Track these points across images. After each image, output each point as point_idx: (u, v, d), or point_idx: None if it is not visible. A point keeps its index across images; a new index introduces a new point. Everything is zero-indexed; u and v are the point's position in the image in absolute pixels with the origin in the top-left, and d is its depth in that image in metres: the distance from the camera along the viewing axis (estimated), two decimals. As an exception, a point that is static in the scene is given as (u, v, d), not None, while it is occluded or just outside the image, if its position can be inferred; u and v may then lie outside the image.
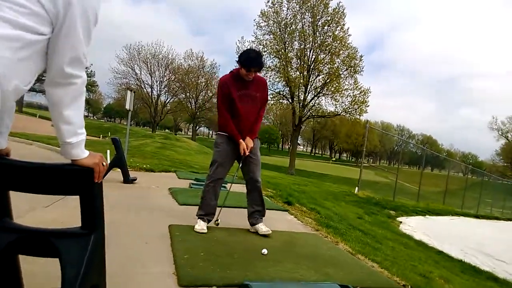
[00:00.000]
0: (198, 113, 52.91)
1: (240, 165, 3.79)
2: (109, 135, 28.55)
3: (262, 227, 3.78)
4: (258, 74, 3.75)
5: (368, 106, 30.89)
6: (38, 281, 2.03)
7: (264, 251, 3.16)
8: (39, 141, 11.71)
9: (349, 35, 30.21)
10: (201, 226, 3.62)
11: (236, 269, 2.71)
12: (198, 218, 3.72)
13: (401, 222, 10.34)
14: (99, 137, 25.56)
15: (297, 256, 3.24)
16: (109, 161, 6.22)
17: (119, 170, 6.08)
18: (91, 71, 62.71)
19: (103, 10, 1.52)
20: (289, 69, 30.50)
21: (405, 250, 5.65)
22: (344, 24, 29.90)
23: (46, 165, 1.41)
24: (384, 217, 10.18)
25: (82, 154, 1.37)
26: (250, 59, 3.56)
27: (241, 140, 3.66)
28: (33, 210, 3.55)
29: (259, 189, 3.86)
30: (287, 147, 60.40)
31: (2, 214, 1.50)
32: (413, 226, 9.99)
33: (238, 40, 32.28)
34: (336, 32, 29.92)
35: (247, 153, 3.66)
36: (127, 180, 6.08)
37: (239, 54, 3.64)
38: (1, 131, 1.43)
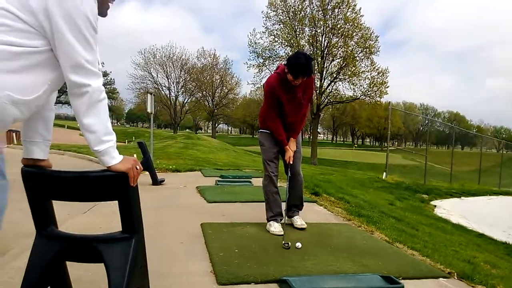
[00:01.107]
0: (215, 110, 53.20)
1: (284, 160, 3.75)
2: (134, 139, 29.07)
3: (297, 220, 3.77)
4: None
5: (387, 87, 30.21)
6: (83, 285, 2.07)
7: (298, 244, 3.13)
8: (70, 150, 12.10)
9: (361, 15, 29.49)
10: (277, 228, 3.56)
11: (272, 265, 2.70)
12: (270, 220, 3.68)
13: (435, 205, 10.09)
14: (125, 142, 26.01)
15: (332, 248, 3.19)
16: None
17: (147, 173, 6.16)
18: (111, 78, 63.86)
19: (116, 19, 1.51)
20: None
21: (443, 235, 5.50)
22: (355, 5, 29.22)
23: (83, 174, 1.44)
24: (416, 201, 9.96)
25: (113, 160, 1.38)
26: (298, 66, 3.30)
27: (287, 147, 3.64)
28: (72, 217, 3.65)
29: (300, 183, 3.82)
30: (306, 136, 59.97)
31: (48, 223, 1.54)
32: (448, 209, 9.72)
33: (250, 33, 32.14)
34: (348, 14, 29.25)
35: (291, 162, 3.64)
36: (156, 182, 6.17)
37: (288, 57, 3.47)
38: (36, 141, 1.45)
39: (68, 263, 1.64)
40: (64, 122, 53.68)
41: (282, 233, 3.46)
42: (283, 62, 3.71)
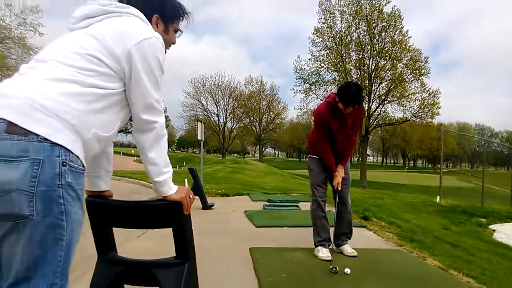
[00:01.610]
0: (263, 135, 53.78)
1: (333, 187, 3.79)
2: (184, 164, 29.94)
3: (348, 249, 3.74)
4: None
5: (439, 108, 29.09)
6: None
7: (347, 270, 3.10)
8: (125, 176, 12.73)
9: (409, 37, 28.97)
10: (325, 253, 3.58)
11: (321, 290, 2.69)
12: (318, 245, 3.71)
13: (494, 230, 9.44)
14: (176, 167, 26.87)
15: (381, 275, 3.13)
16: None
17: (197, 197, 6.35)
18: (164, 107, 66.86)
19: (170, 49, 1.67)
20: (350, 80, 29.89)
21: (504, 262, 5.16)
22: (402, 28, 28.78)
23: (141, 203, 1.57)
24: (473, 226, 9.40)
25: (170, 190, 1.50)
26: (349, 96, 3.41)
27: (336, 173, 3.68)
28: (128, 241, 3.85)
29: (348, 211, 3.83)
30: (355, 159, 58.68)
31: (109, 248, 1.68)
32: (509, 233, 9.05)
33: (295, 60, 32.46)
34: (395, 37, 28.84)
35: (339, 188, 3.67)
36: (206, 206, 6.34)
37: (339, 87, 3.58)
38: (100, 175, 1.61)
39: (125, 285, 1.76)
40: (119, 149, 56.65)
41: (330, 258, 3.45)
42: (333, 90, 3.82)
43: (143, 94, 1.38)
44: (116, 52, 1.32)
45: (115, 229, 1.70)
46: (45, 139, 1.11)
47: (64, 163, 1.14)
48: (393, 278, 3.03)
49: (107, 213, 1.61)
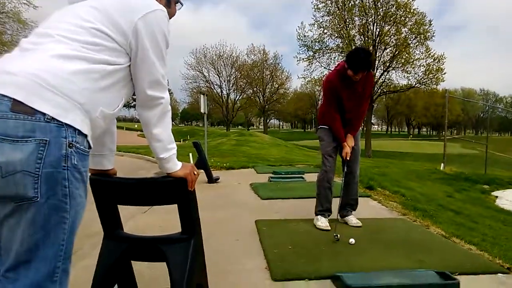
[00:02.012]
0: (267, 106, 53.52)
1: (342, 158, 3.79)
2: (188, 138, 30.01)
3: (352, 219, 3.78)
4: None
5: (444, 73, 28.64)
6: (146, 281, 2.26)
7: (352, 240, 3.15)
8: (129, 151, 12.76)
9: (413, 0, 28.23)
10: (323, 223, 3.65)
11: (326, 261, 2.75)
12: (318, 214, 3.77)
13: (497, 196, 9.51)
14: (180, 141, 26.97)
15: (386, 243, 3.18)
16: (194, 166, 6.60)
17: (202, 171, 6.41)
18: (167, 80, 66.57)
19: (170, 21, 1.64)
20: (353, 47, 29.32)
21: (505, 228, 5.23)
22: (407, -11, 27.97)
23: (146, 180, 1.58)
24: (477, 193, 9.46)
25: (175, 167, 1.51)
26: (358, 62, 3.38)
27: (345, 144, 3.67)
28: (134, 217, 3.92)
29: (355, 182, 3.86)
30: (360, 128, 58.36)
31: (115, 226, 1.71)
32: (511, 199, 9.14)
33: (298, 27, 31.85)
34: (399, 0, 28.12)
35: (347, 158, 3.66)
36: (211, 180, 6.40)
37: (347, 53, 3.53)
38: (104, 154, 1.62)
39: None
40: (122, 124, 56.64)
41: (329, 228, 3.54)
42: (336, 58, 3.78)
43: (150, 70, 1.36)
44: (122, 25, 1.28)
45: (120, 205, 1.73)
46: (53, 118, 1.08)
47: (71, 145, 1.12)
48: (396, 247, 3.09)
49: (112, 191, 1.62)
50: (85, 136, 1.19)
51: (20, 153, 1.03)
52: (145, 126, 1.45)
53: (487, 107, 68.18)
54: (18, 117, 1.04)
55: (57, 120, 1.10)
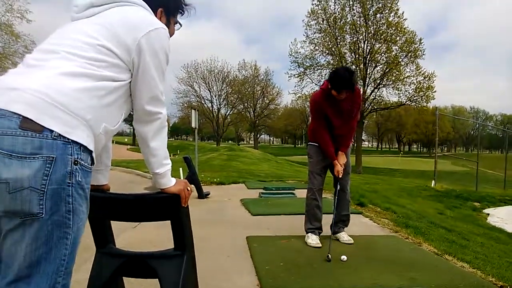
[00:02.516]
0: (257, 121, 53.69)
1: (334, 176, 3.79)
2: (178, 152, 29.88)
3: (344, 236, 3.77)
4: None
5: (435, 91, 29.14)
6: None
7: (344, 257, 3.14)
8: (119, 165, 12.66)
9: (404, 19, 28.79)
10: (314, 240, 3.64)
11: (317, 279, 2.74)
12: (308, 232, 3.75)
13: (488, 214, 9.59)
14: (170, 156, 26.86)
15: (377, 261, 3.17)
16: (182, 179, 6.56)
17: (192, 186, 6.36)
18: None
19: None
20: (344, 64, 29.75)
21: (497, 246, 5.26)
22: (397, 9, 28.59)
23: (140, 196, 1.57)
24: (468, 210, 9.53)
25: (169, 182, 1.50)
26: (340, 81, 3.38)
27: (335, 162, 3.67)
28: (124, 231, 3.86)
29: (347, 199, 3.85)
30: (350, 144, 58.70)
31: (107, 241, 1.69)
32: (503, 217, 9.20)
33: (291, 42, 32.27)
34: (390, 19, 28.67)
35: (340, 176, 3.67)
36: (202, 195, 6.36)
37: (330, 72, 3.55)
38: (100, 169, 1.61)
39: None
40: (113, 138, 56.30)
41: (320, 245, 3.53)
42: (327, 75, 3.78)
43: (150, 86, 1.37)
44: (126, 42, 1.30)
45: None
46: (60, 135, 1.10)
47: (76, 162, 1.13)
48: (388, 264, 3.08)
49: (106, 207, 1.61)
50: (90, 152, 1.21)
51: (28, 169, 1.05)
52: (141, 140, 1.46)
53: (477, 125, 69.21)
54: (27, 134, 1.06)
55: (64, 137, 1.11)
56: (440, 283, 2.66)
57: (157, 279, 1.56)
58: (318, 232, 3.73)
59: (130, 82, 1.36)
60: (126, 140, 51.28)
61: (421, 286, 2.57)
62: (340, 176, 3.66)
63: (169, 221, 1.59)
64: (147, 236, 3.73)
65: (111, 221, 1.73)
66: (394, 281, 2.71)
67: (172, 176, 1.53)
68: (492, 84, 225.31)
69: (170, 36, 1.62)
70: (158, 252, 1.65)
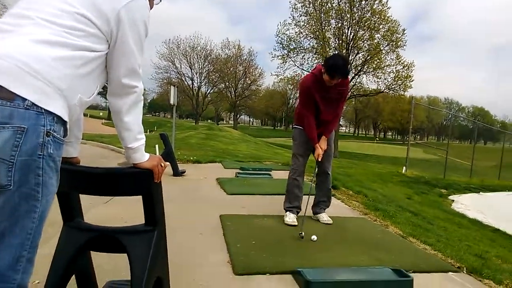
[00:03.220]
0: (238, 101, 53.42)
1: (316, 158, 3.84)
2: (156, 129, 29.52)
3: (324, 217, 3.88)
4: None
5: (412, 81, 29.67)
6: (105, 272, 2.21)
7: (314, 237, 3.22)
8: (92, 140, 12.39)
9: (388, 7, 28.92)
10: (291, 218, 3.72)
11: (288, 257, 2.80)
12: (287, 210, 3.83)
13: (453, 200, 9.98)
14: (147, 132, 26.51)
15: (347, 241, 3.28)
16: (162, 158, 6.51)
17: (168, 164, 6.32)
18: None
19: None
20: (327, 49, 29.73)
21: (459, 230, 5.50)
22: (382, -4, 28.68)
23: (111, 170, 1.55)
24: (435, 196, 9.88)
25: (143, 157, 1.49)
26: (336, 68, 3.44)
27: (317, 145, 3.72)
28: (95, 207, 3.83)
29: (328, 181, 3.94)
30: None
31: (75, 215, 1.67)
32: (466, 204, 9.61)
33: (280, 23, 32.03)
34: (375, 6, 28.76)
35: (319, 160, 3.72)
36: (177, 173, 6.33)
37: (326, 58, 3.61)
38: (70, 141, 1.58)
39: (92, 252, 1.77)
40: (86, 111, 54.73)
41: (296, 223, 3.62)
42: (310, 58, 3.85)
43: (128, 58, 1.34)
44: (105, 12, 1.26)
45: (81, 195, 1.69)
46: (33, 105, 1.06)
47: (48, 133, 1.10)
48: (357, 245, 3.19)
49: (75, 180, 1.57)
50: (64, 123, 1.18)
51: None
52: (115, 114, 1.43)
53: (450, 116, 71.04)
54: None
55: (37, 107, 1.07)
56: (404, 263, 2.77)
57: (126, 254, 1.55)
58: (296, 211, 3.82)
59: (107, 53, 1.33)
60: (101, 114, 50.06)
61: (386, 265, 2.67)
62: (320, 160, 3.73)
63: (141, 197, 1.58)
64: (118, 212, 3.71)
65: (81, 195, 1.70)
66: (362, 260, 2.82)
67: (147, 153, 1.52)
68: (466, 78, 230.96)
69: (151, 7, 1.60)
70: (128, 227, 1.64)
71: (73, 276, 1.69)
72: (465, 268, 2.86)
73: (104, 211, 3.82)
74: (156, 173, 1.51)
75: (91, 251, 1.77)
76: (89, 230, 1.65)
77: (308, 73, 3.91)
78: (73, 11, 1.22)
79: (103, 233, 1.65)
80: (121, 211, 3.70)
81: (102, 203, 4.03)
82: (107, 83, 1.43)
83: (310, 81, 3.65)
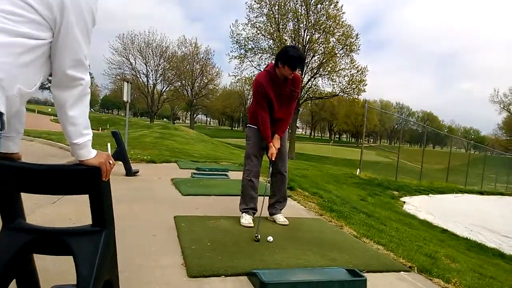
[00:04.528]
0: (194, 100, 52.77)
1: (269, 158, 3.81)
2: (108, 127, 28.54)
3: (280, 218, 3.86)
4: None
5: (366, 85, 30.85)
6: (51, 276, 2.08)
7: (270, 238, 3.21)
8: (40, 137, 11.71)
9: (343, 12, 29.88)
10: (247, 220, 3.66)
11: (243, 258, 2.76)
12: (243, 212, 3.77)
13: (404, 202, 10.42)
14: (98, 130, 25.54)
15: (302, 242, 3.29)
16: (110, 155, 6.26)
17: (121, 163, 6.10)
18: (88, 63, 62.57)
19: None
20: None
21: (410, 231, 5.72)
22: (337, 2, 29.57)
23: (55, 167, 1.44)
24: (387, 197, 10.25)
25: (89, 154, 1.40)
26: (296, 59, 3.42)
27: (270, 144, 3.69)
28: (41, 207, 3.60)
29: (284, 181, 3.91)
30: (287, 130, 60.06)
31: (16, 215, 1.54)
32: (416, 205, 10.07)
33: (232, 24, 32.02)
34: (330, 11, 29.62)
35: (273, 159, 3.69)
36: (130, 173, 6.12)
37: (280, 50, 3.53)
38: (11, 136, 1.45)
39: (35, 254, 1.65)
40: (34, 107, 52.23)
41: (252, 225, 3.59)
42: (267, 59, 3.82)
43: (73, 48, 1.26)
44: None
45: (26, 193, 1.56)
46: None
47: None
48: (312, 245, 3.20)
49: (16, 177, 1.46)
50: (1, 115, 1.09)
51: None
52: (59, 107, 1.33)
53: (401, 120, 74.33)
54: None
55: None
56: (357, 263, 2.82)
57: (72, 257, 1.46)
58: (252, 212, 3.78)
59: (51, 42, 1.24)
60: (49, 110, 47.54)
61: (340, 265, 2.70)
62: (273, 159, 3.71)
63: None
64: (67, 213, 3.50)
65: (26, 194, 1.58)
66: (317, 261, 2.83)
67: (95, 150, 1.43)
68: (415, 83, 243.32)
69: None
70: (74, 228, 1.54)
71: (14, 281, 1.56)
72: (416, 267, 2.95)
73: (52, 211, 3.59)
74: (104, 170, 1.43)
75: (35, 254, 1.64)
76: (30, 231, 1.54)
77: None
78: None
79: (45, 234, 1.54)
80: (70, 212, 3.51)
81: (50, 203, 3.80)
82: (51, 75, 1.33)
83: (264, 79, 3.63)
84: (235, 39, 31.46)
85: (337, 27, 29.85)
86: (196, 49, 50.47)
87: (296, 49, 3.58)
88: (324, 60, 30.32)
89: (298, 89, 3.77)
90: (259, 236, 3.19)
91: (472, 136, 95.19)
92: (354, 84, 30.70)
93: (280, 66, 3.48)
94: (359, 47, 30.61)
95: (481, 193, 16.88)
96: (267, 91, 3.60)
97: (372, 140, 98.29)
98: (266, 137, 3.70)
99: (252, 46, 31.23)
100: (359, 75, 30.60)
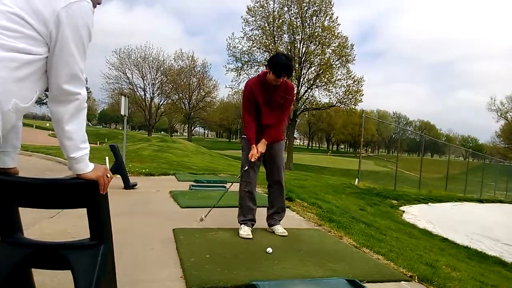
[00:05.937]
0: (192, 113, 52.84)
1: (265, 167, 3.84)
2: (106, 141, 28.52)
3: (279, 229, 3.83)
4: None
5: (362, 95, 31.02)
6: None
7: (269, 249, 3.19)
8: (38, 152, 11.72)
9: (338, 24, 30.22)
10: (246, 231, 3.64)
11: (243, 270, 2.74)
12: (241, 224, 3.74)
13: (404, 211, 10.39)
14: (97, 144, 25.50)
15: (301, 253, 3.27)
16: (108, 168, 6.25)
17: (119, 176, 6.09)
18: (85, 78, 62.76)
19: (97, 16, 1.54)
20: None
21: (410, 240, 5.69)
22: (332, 14, 29.92)
23: (52, 181, 1.44)
24: (386, 207, 10.23)
25: (86, 168, 1.40)
26: (281, 65, 3.45)
27: (253, 146, 3.67)
28: (39, 222, 3.58)
29: (281, 191, 3.90)
30: (284, 140, 60.16)
31: (14, 230, 1.54)
32: (416, 214, 10.04)
33: (229, 37, 32.28)
34: (325, 23, 29.93)
35: (253, 160, 3.66)
36: (128, 186, 6.10)
37: (269, 58, 3.60)
38: (7, 151, 1.45)
39: (33, 269, 1.64)
40: (32, 122, 52.26)
41: (251, 236, 3.57)
42: (263, 69, 3.86)
43: (69, 63, 1.27)
44: (43, 13, 1.19)
45: (23, 209, 1.56)
46: None
47: None
48: (311, 256, 3.18)
49: (13, 192, 1.46)
50: None
51: None
52: (56, 122, 1.34)
53: (398, 129, 74.58)
54: None
55: None
56: (357, 273, 2.80)
57: (70, 271, 1.46)
58: (251, 223, 3.77)
59: (47, 57, 1.25)
60: (47, 125, 47.53)
61: (340, 276, 2.69)
62: (253, 160, 3.66)
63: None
64: (65, 227, 3.49)
65: (24, 209, 1.57)
66: (316, 272, 2.81)
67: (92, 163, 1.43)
68: (413, 93, 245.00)
69: (97, 5, 1.51)
70: (72, 242, 1.54)
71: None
72: (416, 277, 2.93)
73: (50, 225, 3.58)
74: (101, 184, 1.43)
75: (33, 268, 1.64)
76: (29, 245, 1.54)
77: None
78: (5, 10, 1.14)
79: (44, 248, 1.54)
80: (68, 226, 3.49)
81: (48, 217, 3.78)
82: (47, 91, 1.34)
83: (253, 83, 3.67)
84: (231, 52, 31.73)
85: (333, 38, 30.15)
86: (193, 62, 50.78)
87: (285, 57, 3.63)
88: (321, 71, 30.52)
89: (290, 97, 3.77)
90: (203, 216, 3.24)
91: (470, 144, 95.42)
92: (351, 94, 30.87)
93: (268, 72, 3.53)
94: (354, 57, 30.91)
95: (480, 201, 16.86)
96: (255, 95, 3.62)
97: (370, 149, 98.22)
98: (250, 138, 3.70)
99: (248, 59, 31.48)
100: (356, 85, 30.79)
